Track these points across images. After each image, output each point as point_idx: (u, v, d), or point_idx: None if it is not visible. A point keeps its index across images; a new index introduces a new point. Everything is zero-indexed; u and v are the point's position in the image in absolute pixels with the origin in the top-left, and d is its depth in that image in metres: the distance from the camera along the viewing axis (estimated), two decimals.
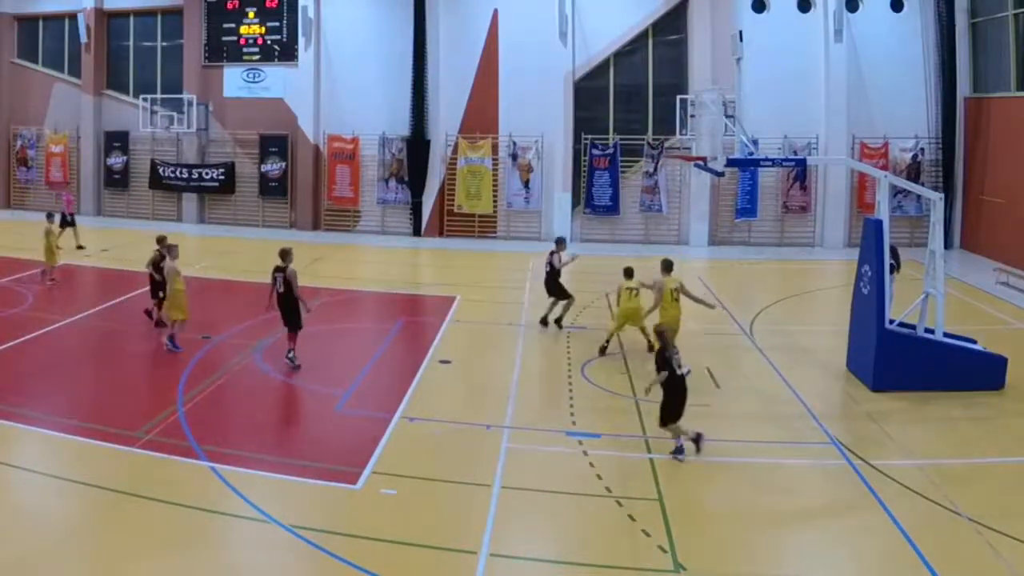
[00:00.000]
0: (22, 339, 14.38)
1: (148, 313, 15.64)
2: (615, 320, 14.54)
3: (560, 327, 15.92)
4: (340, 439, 10.70)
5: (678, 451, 9.95)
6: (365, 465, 9.58)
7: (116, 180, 30.72)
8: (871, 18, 25.92)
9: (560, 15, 26.65)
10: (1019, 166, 22.61)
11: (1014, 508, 8.72)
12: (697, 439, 10.04)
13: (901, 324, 12.73)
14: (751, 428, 11.17)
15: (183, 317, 14.08)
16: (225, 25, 29.41)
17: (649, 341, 14.20)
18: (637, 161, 26.90)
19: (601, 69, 27.24)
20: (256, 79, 29.26)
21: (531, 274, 21.80)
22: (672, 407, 9.91)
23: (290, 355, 13.26)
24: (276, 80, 29.03)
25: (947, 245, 21.27)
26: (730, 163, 14.77)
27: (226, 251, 24.51)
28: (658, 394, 10.11)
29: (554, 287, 16.12)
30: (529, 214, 27.54)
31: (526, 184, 27.30)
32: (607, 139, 27.02)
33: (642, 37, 27.08)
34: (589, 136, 26.99)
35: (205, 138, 29.78)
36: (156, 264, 15.09)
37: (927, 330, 12.77)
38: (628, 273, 14.55)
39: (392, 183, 28.22)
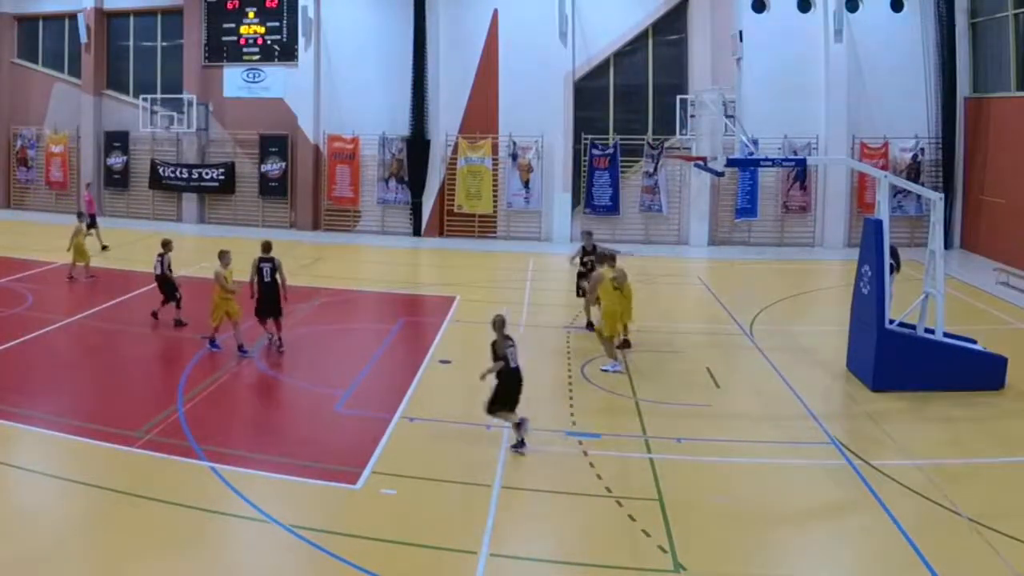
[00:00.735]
0: (22, 339, 14.38)
1: (154, 315, 15.64)
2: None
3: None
4: (340, 439, 10.71)
5: (519, 445, 9.96)
6: (365, 465, 9.58)
7: (116, 180, 30.71)
8: (871, 18, 25.91)
9: (560, 15, 26.65)
10: (1019, 166, 22.61)
11: (1014, 508, 8.71)
12: (520, 424, 10.02)
13: (901, 324, 12.73)
14: (751, 428, 11.17)
15: (214, 323, 13.86)
16: (225, 25, 29.40)
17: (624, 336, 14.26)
18: (637, 161, 26.90)
19: (601, 69, 27.24)
20: (256, 79, 29.26)
21: (531, 274, 21.82)
22: (501, 396, 10.02)
23: (276, 342, 14.07)
24: (276, 80, 29.03)
25: (947, 245, 21.27)
26: (730, 163, 14.76)
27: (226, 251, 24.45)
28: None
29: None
30: (529, 214, 27.55)
31: (526, 184, 27.30)
32: (607, 139, 27.02)
33: (642, 37, 27.08)
34: (589, 136, 26.99)
35: (205, 138, 29.78)
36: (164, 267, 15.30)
37: (927, 330, 12.77)
38: (612, 259, 14.00)
39: (392, 183, 28.22)
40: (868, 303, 12.65)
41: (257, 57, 29.25)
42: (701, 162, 14.31)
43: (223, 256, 14.08)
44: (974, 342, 12.96)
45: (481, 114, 27.55)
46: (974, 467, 9.96)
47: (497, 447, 10.22)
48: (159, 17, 30.48)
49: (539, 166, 27.17)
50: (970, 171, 25.43)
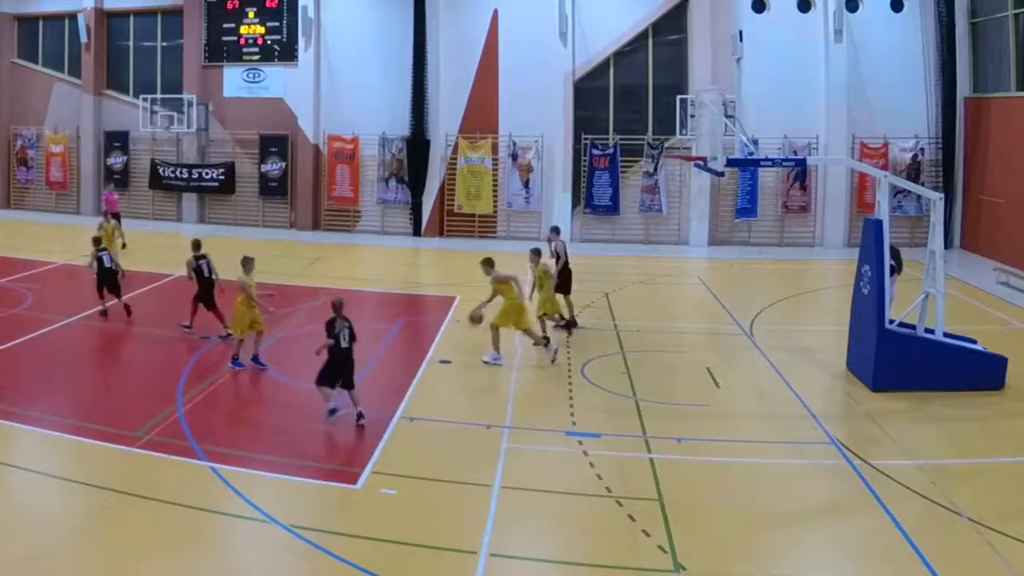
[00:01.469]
0: (22, 339, 14.38)
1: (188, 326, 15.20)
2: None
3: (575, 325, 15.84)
4: (340, 439, 10.71)
5: (332, 412, 10.84)
6: (365, 465, 9.58)
7: (116, 180, 30.65)
8: (871, 18, 25.91)
9: (560, 15, 26.65)
10: (1019, 166, 22.61)
11: (1014, 508, 8.71)
12: (333, 412, 10.86)
13: (901, 324, 12.73)
14: (751, 428, 11.17)
15: (239, 334, 13.36)
16: (225, 25, 29.39)
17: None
18: (637, 161, 26.90)
19: (601, 69, 27.23)
20: (256, 79, 29.27)
21: (531, 274, 21.80)
22: (327, 371, 10.82)
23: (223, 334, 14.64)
24: (276, 80, 29.02)
25: (947, 245, 21.23)
26: (730, 163, 14.77)
27: (226, 251, 24.47)
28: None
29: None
30: (529, 214, 27.54)
31: (526, 184, 27.30)
32: (607, 139, 27.02)
33: (642, 37, 27.08)
34: (589, 136, 26.99)
35: (205, 138, 29.78)
36: (194, 269, 15.17)
37: (927, 330, 12.77)
38: (536, 253, 15.21)
39: (392, 183, 28.22)
40: (868, 303, 12.65)
41: (257, 57, 29.25)
42: (701, 162, 14.32)
43: (247, 263, 13.58)
44: (974, 342, 12.96)
45: (481, 114, 27.55)
46: (974, 467, 9.96)
47: (497, 447, 10.22)
48: (159, 17, 30.48)
49: (539, 166, 27.18)
50: (970, 171, 25.43)
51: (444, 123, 27.73)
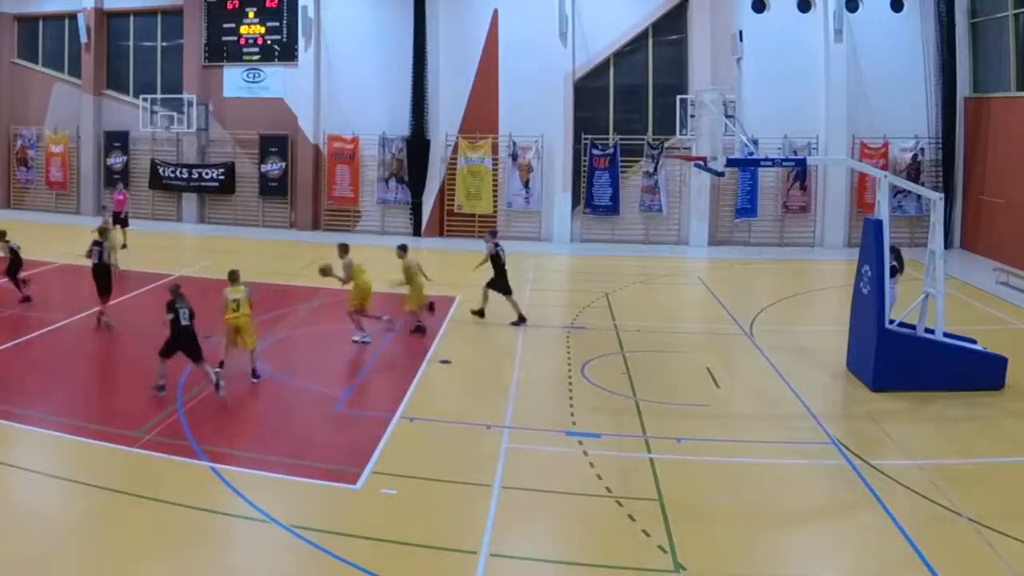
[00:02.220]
0: (22, 339, 14.38)
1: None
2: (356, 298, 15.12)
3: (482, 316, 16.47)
4: (340, 439, 10.71)
5: (160, 388, 11.71)
6: (365, 465, 9.58)
7: (116, 180, 30.67)
8: (871, 18, 25.91)
9: (560, 15, 26.66)
10: (1019, 166, 22.61)
11: (1014, 508, 8.72)
12: (162, 388, 11.72)
13: (901, 324, 12.74)
14: (751, 428, 11.18)
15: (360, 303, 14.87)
16: (225, 25, 29.40)
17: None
18: (637, 161, 26.90)
19: (601, 69, 27.24)
20: (256, 79, 29.27)
21: (531, 274, 21.82)
22: (167, 345, 11.78)
23: (105, 319, 15.16)
24: (276, 80, 29.03)
25: (947, 245, 21.22)
26: (730, 163, 14.76)
27: (226, 251, 24.51)
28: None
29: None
30: (529, 214, 27.55)
31: (526, 184, 27.30)
32: (607, 139, 27.02)
33: (642, 37, 27.08)
34: (589, 136, 26.99)
35: (205, 138, 29.78)
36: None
37: (927, 330, 12.77)
38: (344, 249, 15.67)
39: (392, 183, 28.22)
40: (868, 303, 12.65)
41: (257, 57, 29.25)
42: (701, 162, 14.32)
43: (343, 249, 15.18)
44: (974, 342, 12.96)
45: (481, 114, 27.55)
46: (974, 467, 9.96)
47: (497, 447, 10.23)
48: (159, 17, 30.48)
49: (539, 166, 27.18)
50: (970, 171, 25.43)
51: (444, 123, 27.73)
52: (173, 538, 7.94)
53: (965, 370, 12.40)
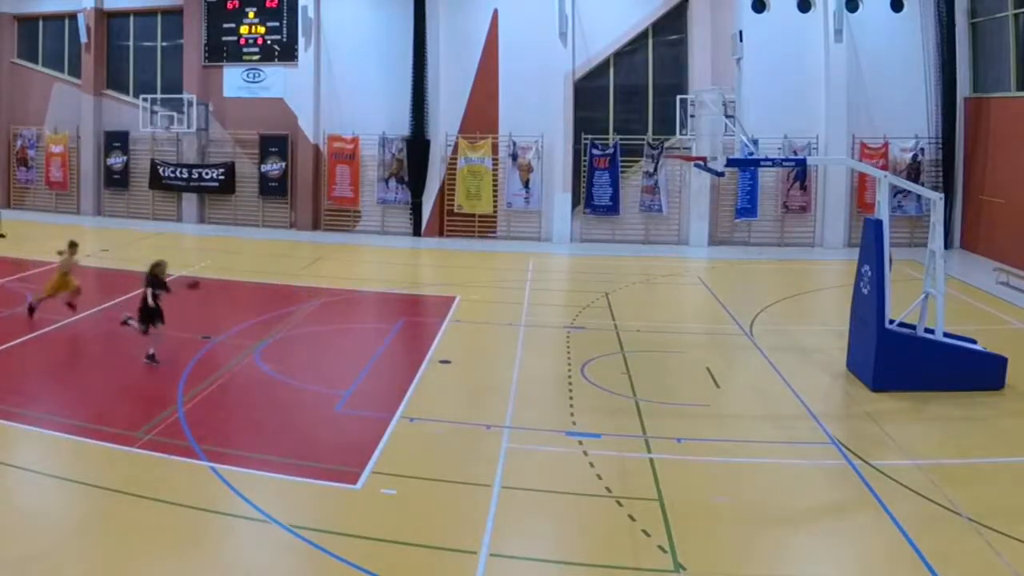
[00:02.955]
0: (22, 339, 14.38)
1: None
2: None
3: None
4: (340, 439, 10.70)
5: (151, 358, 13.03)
6: (365, 465, 9.58)
7: (116, 180, 30.72)
8: (871, 18, 25.93)
9: (560, 15, 26.66)
10: (1019, 166, 22.62)
11: (1014, 508, 8.72)
12: (152, 357, 13.00)
13: (901, 324, 12.74)
14: (751, 428, 11.17)
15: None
16: (225, 25, 29.41)
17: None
18: (637, 161, 26.91)
19: (601, 69, 27.24)
20: (256, 79, 29.27)
21: (531, 274, 21.84)
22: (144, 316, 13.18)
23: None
24: (276, 80, 29.04)
25: (947, 245, 21.27)
26: (730, 163, 14.77)
27: (226, 251, 24.53)
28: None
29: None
30: (529, 214, 27.55)
31: (526, 184, 27.30)
32: (607, 139, 27.02)
33: (642, 37, 27.09)
34: (589, 136, 27.00)
35: (205, 138, 29.79)
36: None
37: (927, 330, 12.77)
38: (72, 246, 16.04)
39: (392, 183, 28.23)
40: (868, 303, 12.65)
41: (257, 57, 29.25)
42: (701, 162, 14.33)
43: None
44: (974, 342, 12.96)
45: (481, 114, 27.56)
46: (974, 467, 9.96)
47: (497, 447, 10.23)
48: (159, 17, 30.49)
49: (539, 166, 27.18)
50: (970, 171, 25.43)
51: (444, 123, 27.74)
52: (173, 538, 7.94)
53: (965, 370, 12.40)
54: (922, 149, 25.73)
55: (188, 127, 29.02)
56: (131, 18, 30.74)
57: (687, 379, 13.22)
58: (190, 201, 29.88)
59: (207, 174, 29.43)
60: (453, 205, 27.79)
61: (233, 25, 29.32)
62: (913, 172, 25.43)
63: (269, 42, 29.13)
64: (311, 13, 28.22)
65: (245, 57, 29.32)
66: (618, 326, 16.24)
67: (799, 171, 25.95)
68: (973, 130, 25.28)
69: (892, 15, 25.89)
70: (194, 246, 26.50)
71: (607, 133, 27.23)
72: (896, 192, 23.88)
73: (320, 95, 28.67)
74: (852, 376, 13.11)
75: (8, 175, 31.97)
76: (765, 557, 7.95)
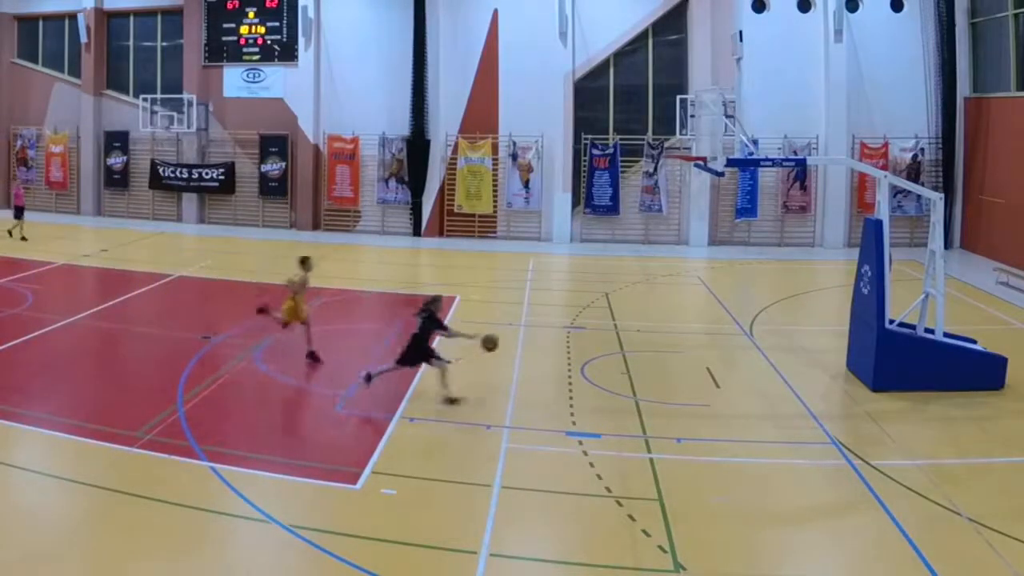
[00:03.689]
0: (22, 339, 14.38)
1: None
2: None
3: None
4: (340, 439, 10.70)
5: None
6: (365, 465, 9.57)
7: (116, 180, 30.73)
8: (871, 18, 25.93)
9: (560, 15, 26.67)
10: (1019, 166, 22.62)
11: (1014, 508, 8.71)
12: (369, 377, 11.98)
13: (901, 324, 12.73)
14: (751, 428, 11.17)
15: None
16: (225, 25, 29.42)
17: None
18: (637, 161, 26.91)
19: (601, 69, 27.25)
20: (256, 79, 29.27)
21: (531, 274, 21.84)
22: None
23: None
24: (276, 80, 29.04)
25: (947, 245, 21.28)
26: (730, 163, 14.76)
27: (226, 251, 24.53)
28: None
29: None
30: (529, 214, 27.55)
31: (526, 184, 27.31)
32: (607, 139, 27.02)
33: (642, 37, 27.09)
34: (589, 136, 27.00)
35: (205, 138, 29.79)
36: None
37: (927, 330, 12.77)
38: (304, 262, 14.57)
39: (392, 183, 28.23)
40: (868, 303, 12.65)
41: (257, 57, 29.26)
42: (701, 162, 14.32)
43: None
44: (974, 342, 12.96)
45: (481, 114, 27.56)
46: (974, 467, 9.96)
47: (497, 447, 10.22)
48: (159, 17, 30.50)
49: (539, 166, 27.18)
50: (970, 171, 25.44)
51: (444, 123, 27.74)
52: (173, 538, 7.93)
53: (965, 370, 12.40)
54: (922, 149, 25.73)
55: (188, 127, 29.03)
56: (131, 18, 30.75)
57: (687, 379, 13.22)
58: (190, 201, 29.88)
59: (207, 174, 29.44)
60: (453, 205, 27.79)
61: (233, 25, 29.33)
62: (913, 172, 25.43)
63: (269, 42, 29.13)
64: (311, 13, 28.22)
65: (245, 57, 29.32)
66: (618, 326, 16.24)
67: (799, 171, 25.96)
68: (973, 130, 25.28)
69: (892, 15, 25.89)
70: (194, 246, 26.50)
71: (607, 133, 27.23)
72: (896, 192, 23.88)
73: (320, 95, 28.67)
74: (852, 376, 13.11)
75: (8, 175, 31.93)
76: (765, 557, 7.95)
